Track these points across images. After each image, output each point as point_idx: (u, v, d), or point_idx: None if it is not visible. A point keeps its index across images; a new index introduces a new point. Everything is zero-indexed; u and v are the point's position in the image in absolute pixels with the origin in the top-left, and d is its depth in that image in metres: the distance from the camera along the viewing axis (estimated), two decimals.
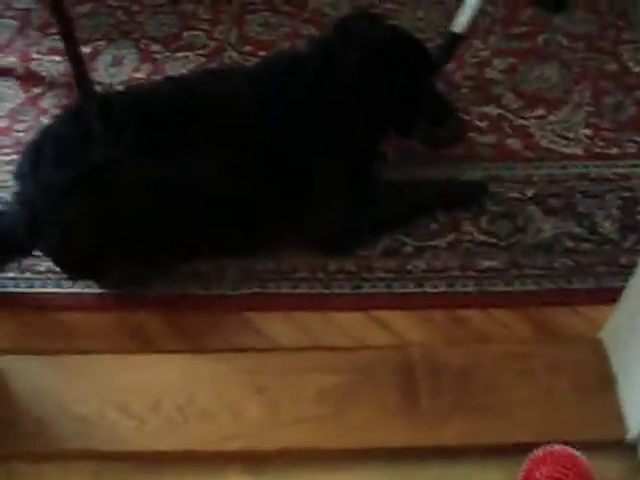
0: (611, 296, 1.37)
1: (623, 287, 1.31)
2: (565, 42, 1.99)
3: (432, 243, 1.58)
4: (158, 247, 1.47)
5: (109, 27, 2.08)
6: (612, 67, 1.92)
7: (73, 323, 1.49)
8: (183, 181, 1.38)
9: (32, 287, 1.54)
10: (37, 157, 1.42)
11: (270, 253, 1.56)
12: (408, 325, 1.47)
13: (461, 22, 1.75)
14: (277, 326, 1.48)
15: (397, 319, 1.48)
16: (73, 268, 1.50)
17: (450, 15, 2.01)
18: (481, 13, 1.82)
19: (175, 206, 1.40)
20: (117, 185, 1.37)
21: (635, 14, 2.04)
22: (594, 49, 1.96)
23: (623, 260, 1.54)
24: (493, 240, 1.58)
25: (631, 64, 1.93)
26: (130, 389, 1.38)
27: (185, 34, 2.05)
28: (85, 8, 2.13)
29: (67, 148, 1.40)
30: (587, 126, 1.78)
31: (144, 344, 1.46)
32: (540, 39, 2.00)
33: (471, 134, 1.78)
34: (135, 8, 2.13)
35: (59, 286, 1.54)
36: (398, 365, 1.38)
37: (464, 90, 1.87)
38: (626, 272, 1.38)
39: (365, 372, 1.38)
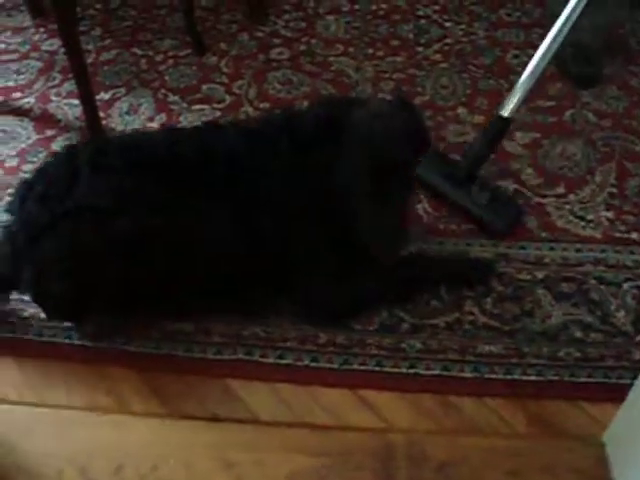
0: (619, 394, 1.26)
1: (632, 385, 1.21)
2: (592, 119, 1.91)
3: (431, 322, 1.50)
4: (136, 299, 1.42)
5: (130, 75, 2.08)
6: (639, 148, 1.84)
7: (49, 372, 1.44)
8: (164, 233, 1.35)
9: (14, 333, 1.50)
10: (27, 193, 1.42)
11: (258, 319, 1.50)
12: (395, 408, 1.38)
13: (511, 105, 1.64)
14: (258, 397, 1.40)
15: (385, 401, 1.39)
16: (49, 307, 1.46)
17: (475, 85, 2.00)
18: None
19: (153, 258, 1.36)
20: (92, 229, 1.34)
21: None
22: (622, 128, 1.89)
23: (636, 355, 1.43)
24: (496, 323, 1.49)
25: None
26: (95, 450, 1.31)
27: (204, 87, 2.03)
28: (110, 55, 2.14)
29: (54, 187, 1.39)
30: (608, 208, 1.70)
31: (118, 403, 1.40)
32: (567, 114, 1.93)
33: None
34: (159, 58, 2.13)
35: (40, 334, 1.49)
36: (378, 450, 1.29)
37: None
38: (637, 368, 1.28)
39: (343, 455, 1.29)
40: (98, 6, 2.31)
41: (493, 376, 1.41)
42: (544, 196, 1.73)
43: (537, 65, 1.62)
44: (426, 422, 1.36)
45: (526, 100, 1.67)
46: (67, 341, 1.49)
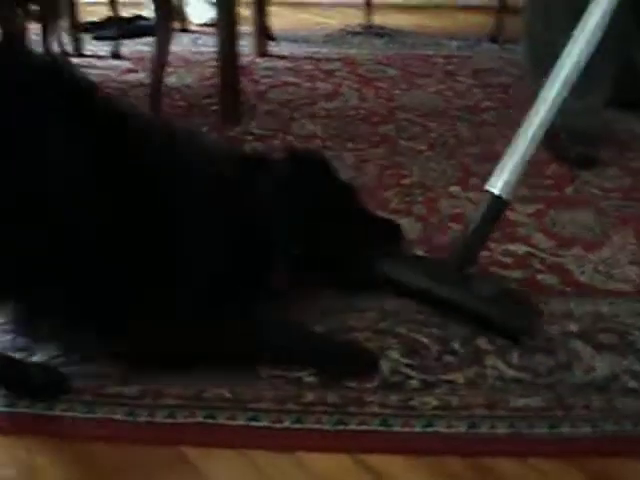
0: None
1: None
2: (598, 192, 1.74)
3: (447, 377, 1.18)
4: None
5: None
6: None
7: None
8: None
9: None
10: None
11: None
12: (409, 474, 1.02)
13: (506, 183, 1.35)
14: (223, 466, 1.03)
15: (395, 466, 1.03)
16: None
17: (467, 169, 1.84)
18: None
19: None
20: None
21: None
22: (631, 198, 1.71)
23: None
24: (528, 376, 1.18)
25: None
26: None
27: None
28: None
29: None
30: (634, 263, 1.46)
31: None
32: (569, 190, 1.76)
33: (493, 269, 1.46)
34: None
35: None
36: None
37: None
38: None
39: None
40: None
41: (534, 431, 1.08)
42: (560, 256, 1.50)
43: (530, 137, 1.36)
44: None
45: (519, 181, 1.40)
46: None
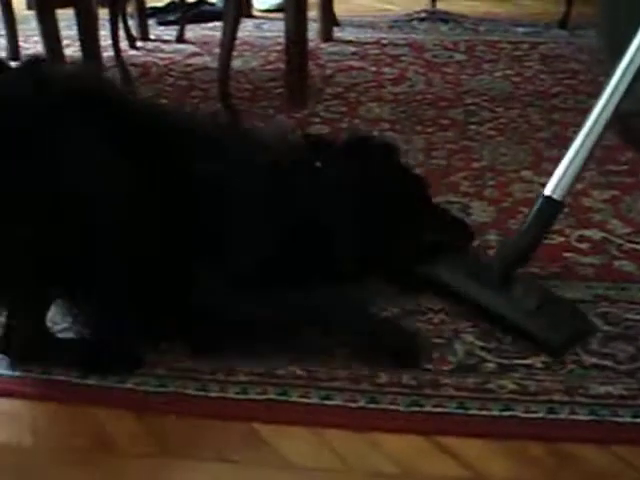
0: None
1: None
2: None
3: (523, 362, 1.15)
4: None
5: None
6: None
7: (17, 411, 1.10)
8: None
9: None
10: None
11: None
12: (487, 457, 1.00)
13: (561, 186, 1.24)
14: (296, 443, 1.03)
15: (473, 449, 1.01)
16: None
17: (538, 154, 1.80)
18: None
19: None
20: None
21: None
22: None
23: None
24: (609, 363, 1.14)
25: None
26: None
27: None
28: None
29: None
30: None
31: (105, 445, 1.04)
32: None
33: (567, 254, 1.42)
34: None
35: None
36: None
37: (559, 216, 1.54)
38: None
39: None
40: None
41: (617, 419, 1.04)
42: (637, 243, 1.44)
43: (586, 140, 1.24)
44: (535, 473, 0.97)
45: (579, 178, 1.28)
46: (44, 376, 1.15)
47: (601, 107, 1.23)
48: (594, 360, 1.15)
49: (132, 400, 1.12)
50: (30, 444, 1.05)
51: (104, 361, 1.18)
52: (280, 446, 1.03)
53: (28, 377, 1.16)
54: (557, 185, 1.24)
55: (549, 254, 1.41)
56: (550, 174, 1.67)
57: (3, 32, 2.54)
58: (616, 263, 1.39)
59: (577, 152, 1.24)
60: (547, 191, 1.25)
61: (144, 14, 2.81)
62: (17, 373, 1.16)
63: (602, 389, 1.09)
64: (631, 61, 1.22)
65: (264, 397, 1.10)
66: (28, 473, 1.00)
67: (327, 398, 1.10)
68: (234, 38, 1.97)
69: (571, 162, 1.24)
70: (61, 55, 2.00)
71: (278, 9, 2.81)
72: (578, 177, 1.25)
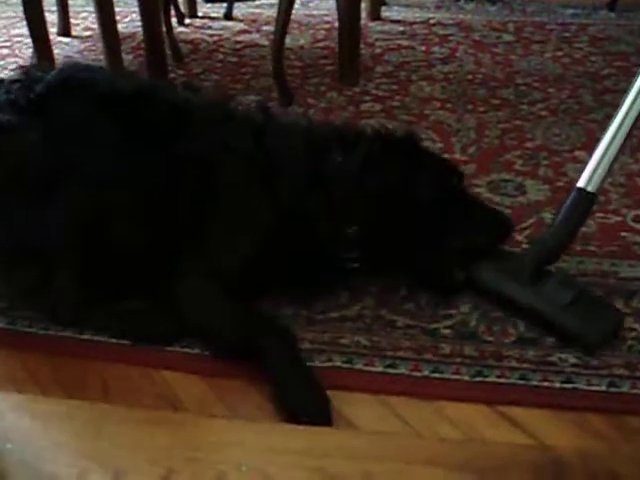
0: None
1: None
2: None
3: None
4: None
5: None
6: None
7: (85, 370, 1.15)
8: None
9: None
10: None
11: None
12: (550, 427, 1.02)
13: (596, 178, 1.20)
14: (362, 410, 1.06)
15: (536, 419, 1.03)
16: None
17: (591, 135, 1.80)
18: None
19: None
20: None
21: None
22: None
23: None
24: None
25: None
26: (135, 451, 0.97)
27: None
28: None
29: None
30: None
31: (170, 404, 1.08)
32: None
33: (624, 234, 1.43)
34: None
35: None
36: (543, 467, 0.91)
37: (614, 195, 1.55)
38: None
39: (494, 471, 0.91)
40: (180, 72, 2.24)
41: None
42: None
43: (619, 129, 1.20)
44: (597, 445, 0.99)
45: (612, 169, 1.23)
46: (113, 340, 1.20)
47: (634, 95, 1.19)
48: None
49: (200, 365, 1.16)
50: (102, 402, 1.09)
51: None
52: (346, 411, 1.06)
53: (99, 340, 1.21)
54: (591, 177, 1.21)
55: (606, 233, 1.43)
56: None
57: (54, 8, 2.57)
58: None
59: (611, 142, 1.21)
60: (581, 183, 1.21)
61: None
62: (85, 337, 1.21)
63: None
64: None
65: (329, 364, 1.13)
66: (100, 428, 1.04)
67: (391, 367, 1.13)
68: (289, 15, 1.98)
69: (605, 152, 1.20)
70: (115, 32, 2.04)
71: None
72: (612, 168, 1.21)
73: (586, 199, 1.21)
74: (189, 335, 1.19)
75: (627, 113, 1.20)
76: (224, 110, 1.34)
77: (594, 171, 1.21)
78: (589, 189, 1.21)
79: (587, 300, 1.22)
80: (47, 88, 1.26)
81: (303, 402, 1.07)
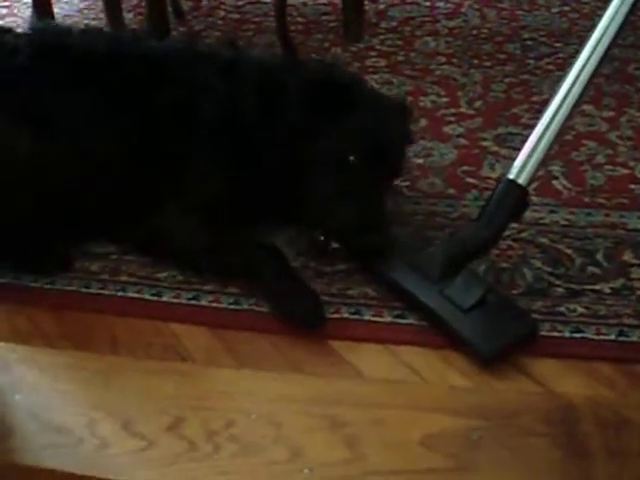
0: None
1: None
2: None
3: (592, 287, 1.16)
4: None
5: None
6: None
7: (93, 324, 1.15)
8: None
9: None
10: None
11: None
12: (558, 375, 1.02)
13: (529, 169, 1.12)
14: (370, 359, 1.06)
15: (545, 368, 1.03)
16: None
17: (599, 89, 1.77)
18: None
19: None
20: None
21: None
22: None
23: None
24: None
25: None
26: (144, 401, 0.98)
27: None
28: None
29: None
30: None
31: (179, 355, 1.08)
32: None
33: (633, 186, 1.41)
34: None
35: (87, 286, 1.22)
36: (552, 414, 0.92)
37: (622, 148, 1.53)
38: None
39: (502, 418, 0.92)
40: (182, 29, 2.21)
41: None
42: None
43: (554, 116, 1.12)
44: (605, 392, 0.99)
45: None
46: (120, 294, 1.20)
47: (569, 83, 1.14)
48: None
49: (208, 317, 1.15)
50: (111, 354, 1.09)
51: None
52: (355, 360, 1.06)
53: (106, 294, 1.21)
54: (523, 167, 1.12)
55: (615, 186, 1.42)
56: (612, 109, 1.70)
57: None
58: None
59: (545, 130, 1.13)
60: (511, 174, 1.12)
61: None
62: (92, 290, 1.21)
63: None
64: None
65: (337, 316, 1.13)
66: (109, 379, 1.04)
67: (400, 317, 1.12)
68: None
69: (539, 141, 1.13)
70: None
71: None
72: (544, 161, 1.14)
73: (516, 193, 1.11)
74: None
75: (563, 100, 1.13)
76: (192, 53, 1.36)
77: (526, 161, 1.12)
78: (520, 182, 1.12)
79: (494, 305, 1.09)
80: (23, 59, 1.27)
81: (296, 305, 1.12)
